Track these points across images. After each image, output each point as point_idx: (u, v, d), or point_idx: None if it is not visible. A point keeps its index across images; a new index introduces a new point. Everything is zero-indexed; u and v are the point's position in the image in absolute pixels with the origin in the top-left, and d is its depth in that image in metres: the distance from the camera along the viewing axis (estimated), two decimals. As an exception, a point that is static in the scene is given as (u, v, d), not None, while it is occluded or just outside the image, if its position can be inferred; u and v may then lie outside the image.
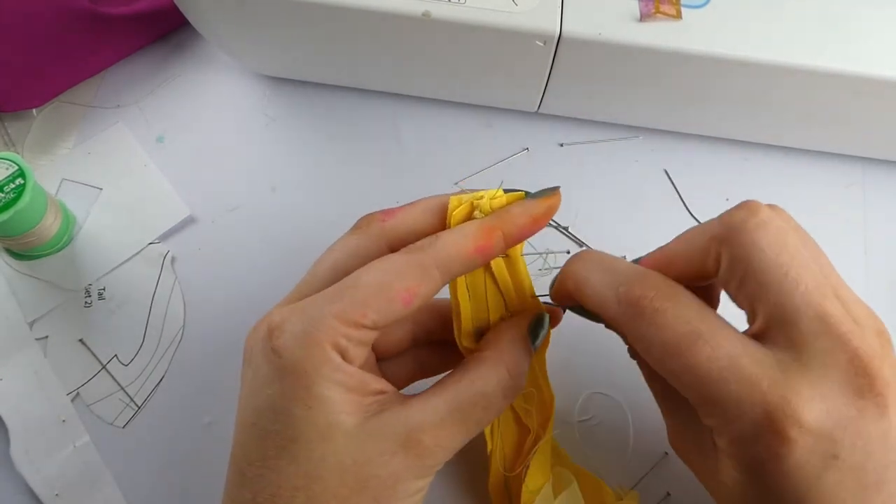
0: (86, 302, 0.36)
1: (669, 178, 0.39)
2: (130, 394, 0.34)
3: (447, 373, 0.26)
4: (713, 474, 0.24)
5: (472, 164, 0.39)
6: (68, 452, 0.33)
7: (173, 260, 0.37)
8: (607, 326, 0.27)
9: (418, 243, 0.25)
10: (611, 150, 0.40)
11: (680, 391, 0.24)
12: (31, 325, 0.35)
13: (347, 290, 0.24)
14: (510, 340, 0.27)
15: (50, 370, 0.35)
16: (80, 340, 0.35)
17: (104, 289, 0.36)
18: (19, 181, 0.33)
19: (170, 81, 0.42)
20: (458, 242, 0.25)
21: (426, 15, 0.32)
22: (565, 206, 0.38)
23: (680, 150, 0.40)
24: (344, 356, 0.24)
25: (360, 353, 0.24)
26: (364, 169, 0.39)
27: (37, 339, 0.35)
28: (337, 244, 0.27)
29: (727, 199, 0.39)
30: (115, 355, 0.35)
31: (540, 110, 0.39)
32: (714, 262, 0.24)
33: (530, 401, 0.30)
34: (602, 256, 0.27)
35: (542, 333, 0.28)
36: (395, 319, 0.24)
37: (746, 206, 0.24)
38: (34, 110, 0.40)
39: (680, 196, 0.39)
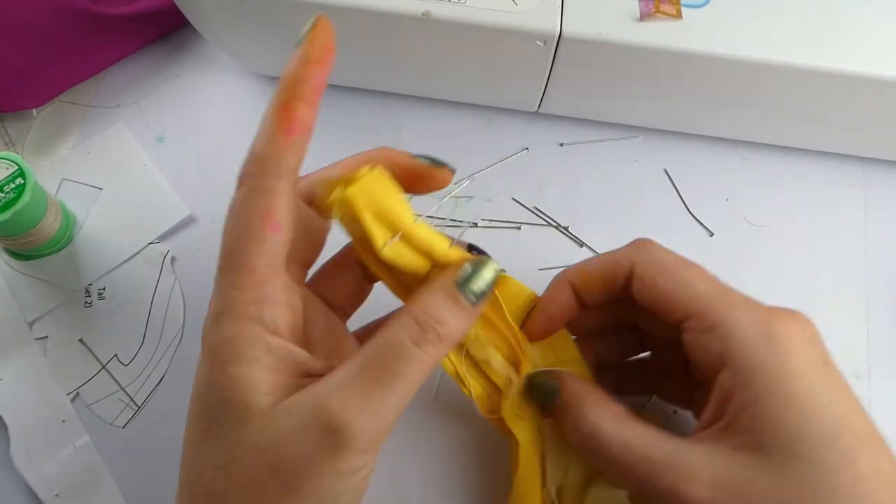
0: (86, 302, 0.36)
1: (670, 178, 0.39)
2: (130, 394, 0.34)
3: None
4: None
5: (472, 164, 0.39)
6: (68, 452, 0.33)
7: (173, 260, 0.37)
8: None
9: (243, 172, 0.25)
10: (611, 150, 0.40)
11: (680, 305, 0.26)
12: (31, 325, 0.35)
13: (226, 256, 0.24)
14: (422, 290, 0.25)
15: (50, 370, 0.35)
16: (80, 340, 0.35)
17: (104, 289, 0.36)
18: (19, 181, 0.33)
19: (170, 81, 0.42)
20: (265, 139, 0.25)
21: (426, 15, 0.32)
22: (565, 205, 0.39)
23: (680, 150, 0.40)
24: (267, 326, 0.23)
25: (283, 314, 0.23)
26: (364, 169, 0.39)
27: (37, 339, 0.35)
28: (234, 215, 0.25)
29: (727, 199, 0.39)
30: (115, 355, 0.35)
31: (540, 110, 0.39)
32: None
33: (485, 353, 0.29)
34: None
35: (480, 281, 0.25)
36: (283, 249, 0.24)
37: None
38: (34, 110, 0.40)
39: (680, 196, 0.39)
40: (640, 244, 0.28)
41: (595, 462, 0.27)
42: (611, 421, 0.26)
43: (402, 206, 0.27)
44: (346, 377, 0.22)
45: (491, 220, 0.38)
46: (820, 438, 0.23)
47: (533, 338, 0.29)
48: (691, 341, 0.26)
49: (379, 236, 0.26)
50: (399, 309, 0.25)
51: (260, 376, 0.22)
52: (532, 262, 0.37)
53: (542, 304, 0.29)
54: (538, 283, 0.30)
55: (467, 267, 0.26)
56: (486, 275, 0.26)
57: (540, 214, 0.38)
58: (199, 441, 0.23)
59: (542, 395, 0.28)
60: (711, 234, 0.38)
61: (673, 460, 0.24)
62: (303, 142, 0.25)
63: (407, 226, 0.27)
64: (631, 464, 0.25)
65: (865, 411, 0.24)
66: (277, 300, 0.24)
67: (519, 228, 0.38)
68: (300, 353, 0.24)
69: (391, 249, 0.26)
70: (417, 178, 0.28)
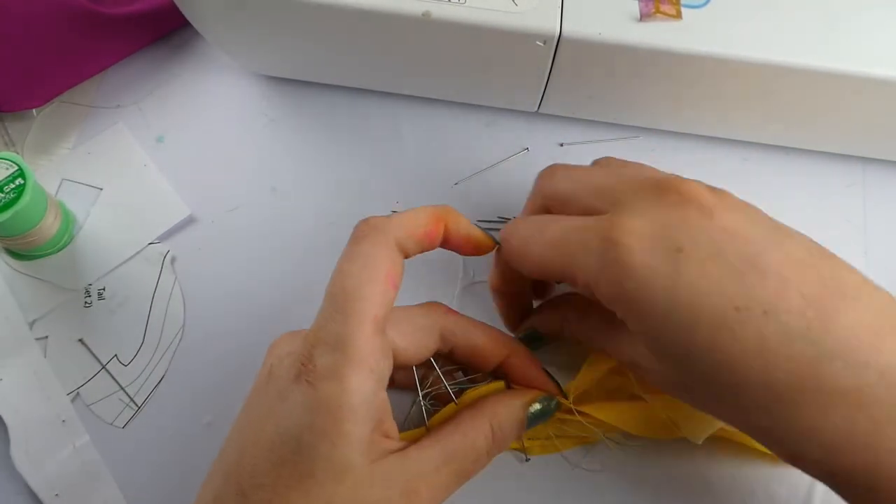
0: (86, 302, 0.36)
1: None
2: (130, 394, 0.34)
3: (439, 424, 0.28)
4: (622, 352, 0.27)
5: (472, 164, 0.39)
6: (68, 452, 0.33)
7: (173, 260, 0.37)
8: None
9: (373, 223, 0.27)
10: (611, 150, 0.40)
11: (554, 279, 0.29)
12: (31, 325, 0.35)
13: (357, 303, 0.25)
14: (500, 404, 0.29)
15: (50, 370, 0.35)
16: (80, 340, 0.35)
17: (104, 289, 0.36)
18: (19, 181, 0.33)
19: (170, 81, 0.42)
20: (412, 224, 0.27)
21: (426, 15, 0.32)
22: (565, 206, 0.39)
23: (680, 150, 0.40)
24: (379, 381, 0.25)
25: (388, 365, 0.26)
26: (364, 169, 0.39)
27: (37, 339, 0.35)
28: (348, 260, 0.27)
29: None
30: (115, 355, 0.35)
31: (540, 110, 0.39)
32: None
33: None
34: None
35: (542, 418, 0.30)
36: (391, 306, 0.26)
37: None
38: (34, 110, 0.40)
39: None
40: (505, 231, 0.30)
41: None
42: (573, 326, 0.31)
43: None
44: (433, 465, 0.25)
45: (490, 220, 0.38)
46: (676, 338, 0.23)
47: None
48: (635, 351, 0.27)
49: None
50: (475, 408, 0.28)
51: (365, 436, 0.24)
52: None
53: (503, 317, 0.34)
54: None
55: (541, 403, 0.30)
56: (549, 413, 0.30)
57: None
58: (282, 488, 0.23)
59: (532, 343, 0.32)
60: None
61: (614, 350, 0.28)
62: (422, 249, 0.28)
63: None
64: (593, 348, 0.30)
65: (756, 264, 0.23)
66: (387, 355, 0.26)
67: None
68: (387, 414, 0.26)
69: None
70: (469, 244, 0.30)
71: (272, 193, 0.39)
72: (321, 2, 0.32)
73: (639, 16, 0.32)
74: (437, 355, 0.30)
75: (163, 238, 0.38)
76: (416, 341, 0.28)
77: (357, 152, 0.40)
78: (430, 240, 0.28)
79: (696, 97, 0.35)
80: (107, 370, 0.35)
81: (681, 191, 0.25)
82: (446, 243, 0.29)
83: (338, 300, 0.25)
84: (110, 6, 0.40)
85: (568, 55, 0.33)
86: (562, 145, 0.40)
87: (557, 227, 0.27)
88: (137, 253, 0.37)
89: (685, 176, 0.40)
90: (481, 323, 0.31)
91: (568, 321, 0.31)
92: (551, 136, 0.40)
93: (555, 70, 0.34)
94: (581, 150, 0.40)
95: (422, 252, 0.28)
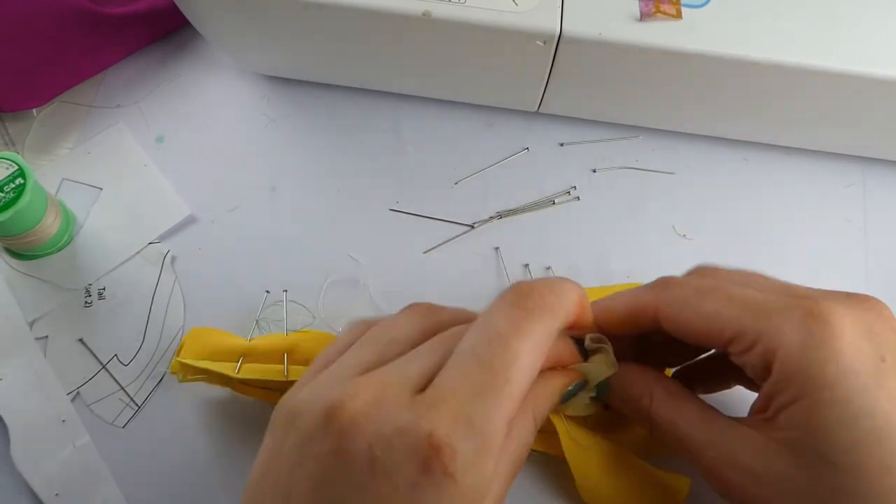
0: (86, 302, 0.36)
1: (669, 179, 0.39)
2: (130, 394, 0.34)
3: None
4: (764, 457, 0.24)
5: (472, 164, 0.39)
6: (68, 452, 0.33)
7: (173, 260, 0.37)
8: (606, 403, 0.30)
9: (548, 302, 0.24)
10: (611, 150, 0.40)
11: (714, 335, 0.25)
12: (31, 325, 0.35)
13: (516, 389, 0.22)
14: (545, 394, 0.26)
15: (50, 370, 0.35)
16: (80, 340, 0.35)
17: (104, 288, 0.36)
18: (19, 181, 0.33)
19: (170, 81, 0.42)
20: (573, 311, 0.25)
21: (426, 15, 0.32)
22: (565, 206, 0.39)
23: (680, 150, 0.40)
24: (504, 470, 0.23)
25: (525, 446, 0.24)
26: (364, 169, 0.39)
27: (37, 339, 0.35)
28: (519, 336, 0.23)
29: (727, 199, 0.39)
30: (115, 355, 0.35)
31: (540, 110, 0.39)
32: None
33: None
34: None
35: (571, 392, 0.28)
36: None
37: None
38: (34, 110, 0.40)
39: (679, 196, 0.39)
40: (660, 284, 0.28)
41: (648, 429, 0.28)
42: (661, 400, 0.27)
43: (231, 337, 0.33)
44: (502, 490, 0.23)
45: (490, 219, 0.38)
46: (854, 444, 0.22)
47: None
48: (736, 361, 0.26)
49: (226, 368, 0.32)
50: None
51: None
52: (533, 259, 0.37)
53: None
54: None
55: (574, 386, 0.28)
56: (573, 395, 0.28)
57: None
58: None
59: (596, 394, 0.29)
60: (711, 234, 0.38)
61: (713, 443, 0.25)
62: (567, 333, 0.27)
63: (246, 345, 0.33)
64: (677, 440, 0.26)
65: None
66: (529, 432, 0.24)
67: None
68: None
69: (244, 370, 0.32)
70: (558, 360, 0.27)
71: (272, 193, 0.39)
72: (321, 1, 0.32)
73: (639, 15, 0.32)
74: None
75: (163, 238, 0.38)
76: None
77: (357, 152, 0.40)
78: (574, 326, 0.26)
79: (696, 97, 0.35)
80: (107, 370, 0.35)
81: (875, 302, 0.25)
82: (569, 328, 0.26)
83: (497, 377, 0.21)
84: (110, 6, 0.40)
85: (568, 55, 0.33)
86: (562, 145, 0.40)
87: (749, 289, 0.26)
88: (137, 253, 0.37)
89: (685, 176, 0.40)
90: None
91: (649, 397, 0.28)
92: (551, 136, 0.40)
93: (555, 70, 0.34)
94: (581, 150, 0.40)
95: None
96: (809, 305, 0.24)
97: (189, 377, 0.33)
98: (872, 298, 0.25)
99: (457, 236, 0.38)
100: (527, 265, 0.37)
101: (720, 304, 0.25)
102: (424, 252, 0.37)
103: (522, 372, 0.22)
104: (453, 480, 0.20)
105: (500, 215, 0.38)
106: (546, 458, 0.32)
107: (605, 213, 0.38)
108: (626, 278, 0.37)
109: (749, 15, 0.32)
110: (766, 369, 0.24)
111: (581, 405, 0.31)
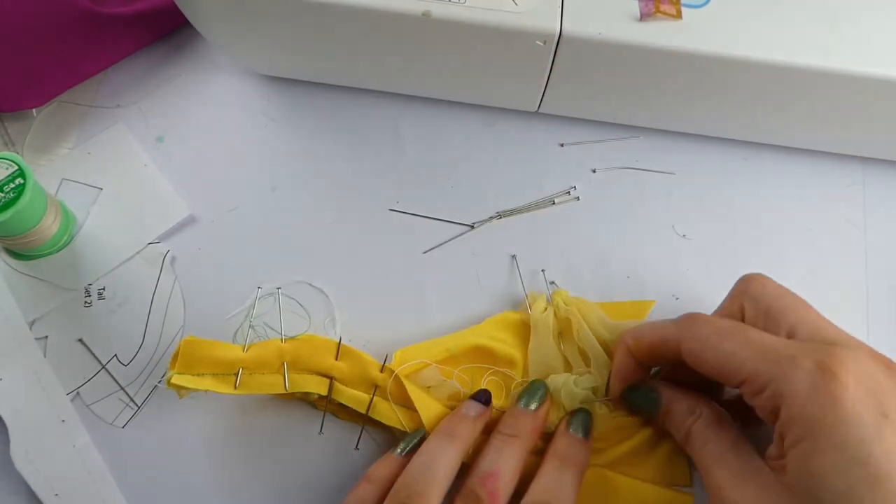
0: (85, 302, 0.36)
1: (669, 179, 0.39)
2: (130, 394, 0.34)
3: None
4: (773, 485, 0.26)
5: (472, 164, 0.39)
6: (68, 452, 0.33)
7: (173, 260, 0.37)
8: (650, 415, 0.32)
9: (514, 431, 0.31)
10: (611, 150, 0.40)
11: (730, 374, 0.27)
12: (30, 325, 0.35)
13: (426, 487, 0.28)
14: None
15: (50, 370, 0.35)
16: (80, 340, 0.35)
17: (104, 289, 0.36)
18: (19, 181, 0.33)
19: (170, 81, 0.42)
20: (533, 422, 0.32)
21: (426, 15, 0.32)
22: (565, 206, 0.39)
23: (680, 150, 0.40)
24: None
25: None
26: (364, 169, 0.39)
27: (37, 339, 0.35)
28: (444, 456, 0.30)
29: (727, 199, 0.39)
30: (115, 355, 0.35)
31: (540, 110, 0.39)
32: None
33: None
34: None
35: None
36: None
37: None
38: (34, 110, 0.40)
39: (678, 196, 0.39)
40: (686, 321, 0.30)
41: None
42: (704, 424, 0.29)
43: (226, 348, 0.32)
44: None
45: (490, 219, 0.38)
46: (847, 490, 0.23)
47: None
48: (748, 400, 0.27)
49: (225, 386, 0.32)
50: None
51: None
52: (532, 259, 0.37)
53: (614, 373, 0.33)
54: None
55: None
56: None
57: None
58: None
59: (647, 401, 0.32)
60: (711, 234, 0.38)
61: (730, 477, 0.27)
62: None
63: (242, 356, 0.32)
64: (700, 467, 0.29)
65: None
66: None
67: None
68: None
69: (243, 384, 0.32)
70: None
71: (272, 193, 0.39)
72: (321, 1, 0.32)
73: (639, 15, 0.32)
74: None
75: (163, 238, 0.38)
76: None
77: (357, 152, 0.40)
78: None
79: (696, 97, 0.35)
80: (107, 370, 0.35)
81: (890, 363, 0.26)
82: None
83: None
84: (110, 6, 0.39)
85: (568, 55, 0.33)
86: (562, 145, 0.40)
87: (764, 335, 0.27)
88: (137, 253, 0.37)
89: (685, 176, 0.40)
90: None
91: (697, 416, 0.30)
92: (551, 136, 0.40)
93: (555, 70, 0.34)
94: (581, 150, 0.40)
95: None
96: (820, 356, 0.25)
97: (187, 391, 0.32)
98: (868, 355, 0.26)
99: (457, 236, 0.38)
100: (514, 255, 0.37)
101: (737, 346, 0.27)
102: (424, 252, 0.37)
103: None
104: None
105: (500, 215, 0.38)
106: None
107: (605, 213, 0.38)
108: (626, 278, 0.37)
109: (749, 15, 0.32)
110: (775, 413, 0.26)
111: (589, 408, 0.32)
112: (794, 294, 0.30)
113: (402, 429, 0.32)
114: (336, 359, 0.33)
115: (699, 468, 0.29)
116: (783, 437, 0.25)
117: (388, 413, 0.32)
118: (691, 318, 0.30)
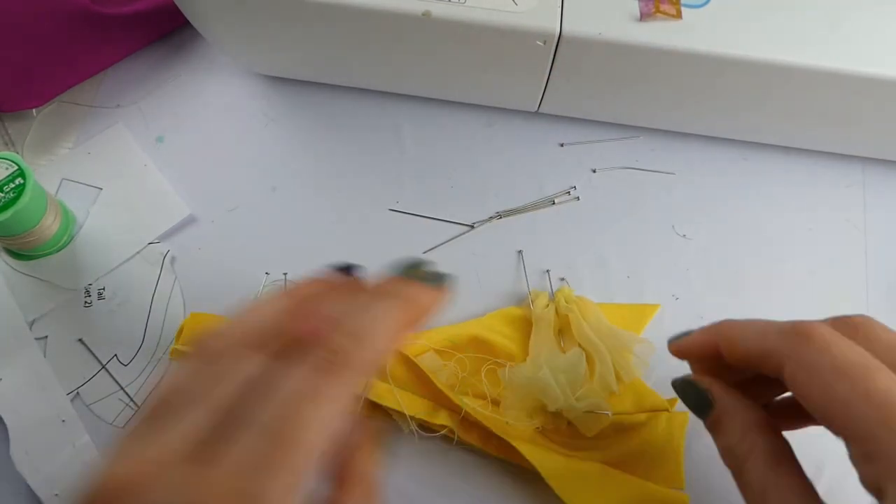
0: (85, 302, 0.36)
1: (669, 179, 0.39)
2: (130, 394, 0.34)
3: None
4: None
5: (472, 164, 0.39)
6: (68, 452, 0.33)
7: (173, 260, 0.37)
8: (706, 422, 0.27)
9: (342, 356, 0.21)
10: (611, 150, 0.40)
11: (836, 425, 0.22)
12: (30, 325, 0.35)
13: (290, 456, 0.19)
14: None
15: (50, 370, 0.35)
16: (80, 340, 0.35)
17: (104, 289, 0.36)
18: (19, 181, 0.33)
19: (170, 81, 0.42)
20: (387, 351, 0.22)
21: (426, 15, 0.32)
22: (565, 206, 0.39)
23: (680, 150, 0.40)
24: None
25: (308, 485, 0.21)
26: (364, 169, 0.39)
27: (37, 339, 0.35)
28: (314, 404, 0.20)
29: (727, 199, 0.39)
30: (115, 355, 0.35)
31: (540, 110, 0.39)
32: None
33: None
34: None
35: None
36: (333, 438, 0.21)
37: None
38: (34, 110, 0.40)
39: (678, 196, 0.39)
40: (797, 337, 0.24)
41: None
42: (761, 459, 0.25)
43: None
44: None
45: (490, 219, 0.38)
46: None
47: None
48: (853, 463, 0.23)
49: None
50: None
51: None
52: (532, 260, 0.37)
53: (686, 343, 0.29)
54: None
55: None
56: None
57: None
58: None
59: (697, 403, 0.28)
60: (711, 234, 0.38)
61: None
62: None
63: None
64: None
65: None
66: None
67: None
68: None
69: None
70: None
71: (272, 193, 0.39)
72: (321, 1, 0.32)
73: (639, 15, 0.32)
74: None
75: (163, 238, 0.38)
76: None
77: (357, 152, 0.40)
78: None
79: (696, 97, 0.35)
80: (107, 370, 0.35)
81: None
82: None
83: (284, 449, 0.19)
84: (110, 6, 0.39)
85: (568, 55, 0.33)
86: (562, 145, 0.40)
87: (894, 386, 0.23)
88: (137, 253, 0.37)
89: (685, 176, 0.40)
90: None
91: (750, 446, 0.25)
92: (551, 136, 0.40)
93: (555, 70, 0.34)
94: (581, 150, 0.40)
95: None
96: None
97: None
98: None
99: (457, 236, 0.38)
100: (520, 251, 0.37)
101: (855, 396, 0.22)
102: (424, 252, 0.37)
103: (316, 440, 0.19)
104: None
105: (500, 215, 0.38)
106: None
107: (605, 212, 0.38)
108: (626, 278, 0.37)
109: (749, 15, 0.32)
110: (876, 486, 0.22)
111: (586, 420, 0.32)
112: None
113: (401, 411, 0.32)
114: None
115: None
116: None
117: (387, 395, 0.32)
118: (805, 336, 0.24)
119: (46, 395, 0.34)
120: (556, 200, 0.39)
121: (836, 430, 0.22)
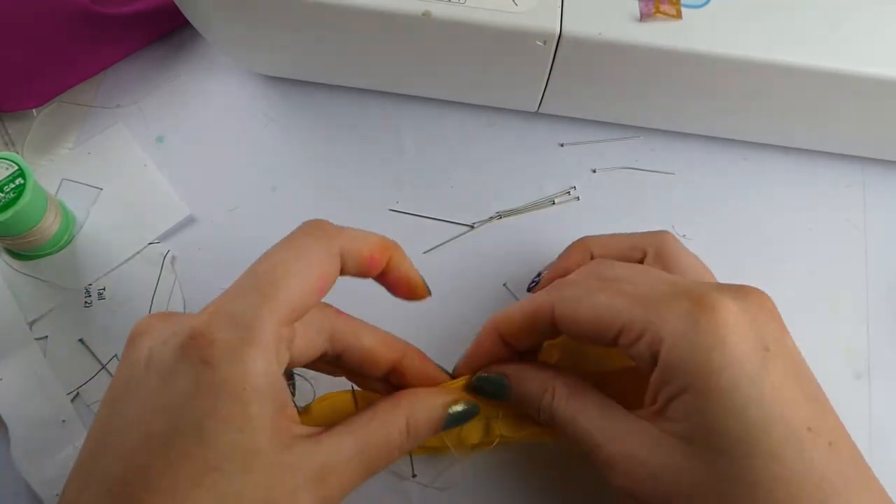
0: (86, 302, 0.36)
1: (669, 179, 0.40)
2: (130, 394, 0.34)
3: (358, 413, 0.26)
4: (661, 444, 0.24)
5: (472, 164, 0.39)
6: (68, 452, 0.33)
7: (173, 260, 0.37)
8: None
9: (323, 225, 0.26)
10: (611, 150, 0.40)
11: (608, 330, 0.25)
12: (31, 325, 0.35)
13: (281, 291, 0.23)
14: (419, 398, 0.27)
15: (50, 370, 0.35)
16: (80, 340, 0.35)
17: (104, 289, 0.36)
18: (19, 181, 0.33)
19: (170, 81, 0.42)
20: (360, 242, 0.26)
21: (426, 15, 0.32)
22: (565, 206, 0.39)
23: (680, 150, 0.40)
24: (282, 364, 0.23)
25: (287, 357, 0.24)
26: (364, 169, 0.39)
27: (37, 339, 0.35)
28: (286, 248, 0.25)
29: (727, 199, 0.39)
30: (115, 355, 0.35)
31: (540, 110, 0.39)
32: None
33: None
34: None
35: (460, 422, 0.28)
36: (309, 310, 0.25)
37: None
38: (34, 110, 0.40)
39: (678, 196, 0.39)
40: (555, 286, 0.28)
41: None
42: (562, 395, 0.27)
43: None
44: (345, 455, 0.24)
45: (490, 219, 0.38)
46: (743, 433, 0.22)
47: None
48: (627, 354, 0.26)
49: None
50: (393, 401, 0.27)
51: (272, 420, 0.22)
52: (532, 259, 0.37)
53: (469, 354, 0.30)
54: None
55: (464, 406, 0.28)
56: (470, 417, 0.28)
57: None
58: (189, 488, 0.20)
59: (495, 389, 0.29)
60: (711, 234, 0.38)
61: (612, 438, 0.25)
62: (359, 272, 0.27)
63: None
64: (577, 437, 0.26)
65: (818, 398, 0.24)
66: (289, 349, 0.24)
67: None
68: (289, 399, 0.24)
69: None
70: (406, 286, 0.29)
71: (272, 193, 0.39)
72: (321, 2, 0.32)
73: (639, 16, 0.32)
74: (325, 358, 0.28)
75: (163, 238, 0.38)
76: (307, 341, 0.26)
77: (357, 152, 0.40)
78: (371, 265, 0.26)
79: (696, 97, 0.35)
80: (107, 370, 0.35)
81: (760, 294, 0.25)
82: (383, 277, 0.27)
83: (260, 279, 0.23)
84: (110, 6, 0.39)
85: (568, 55, 0.33)
86: (562, 145, 0.40)
87: (640, 285, 0.26)
88: (137, 253, 0.37)
89: (685, 176, 0.40)
90: (372, 325, 0.29)
91: (550, 393, 0.27)
92: (551, 136, 0.40)
93: (555, 70, 0.34)
94: (581, 150, 0.40)
95: (358, 275, 0.27)
96: (696, 296, 0.24)
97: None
98: (756, 290, 0.25)
99: (457, 236, 0.38)
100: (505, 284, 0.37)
101: (610, 298, 0.25)
102: (424, 252, 0.37)
103: (286, 276, 0.23)
104: (210, 367, 0.21)
105: (500, 215, 0.38)
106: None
107: (605, 213, 0.39)
108: (626, 278, 0.37)
109: (749, 15, 0.32)
110: (654, 359, 0.24)
111: (477, 431, 0.30)
112: (695, 257, 0.29)
113: (447, 446, 0.30)
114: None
115: (578, 445, 0.26)
116: (662, 385, 0.24)
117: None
118: (561, 282, 0.28)
119: (46, 395, 0.34)
120: (556, 200, 0.39)
121: (607, 331, 0.25)
